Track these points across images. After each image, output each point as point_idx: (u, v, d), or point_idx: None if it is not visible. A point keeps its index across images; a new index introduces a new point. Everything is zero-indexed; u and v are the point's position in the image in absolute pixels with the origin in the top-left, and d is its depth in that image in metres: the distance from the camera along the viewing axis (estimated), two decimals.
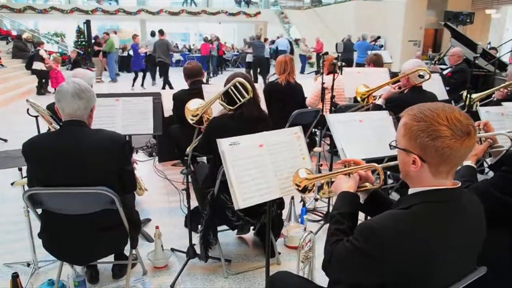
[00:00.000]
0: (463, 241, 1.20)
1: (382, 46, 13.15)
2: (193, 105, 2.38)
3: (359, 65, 10.72)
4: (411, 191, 1.27)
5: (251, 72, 11.49)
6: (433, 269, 1.14)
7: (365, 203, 1.58)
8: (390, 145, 1.32)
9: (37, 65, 10.90)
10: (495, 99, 4.42)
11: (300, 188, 1.72)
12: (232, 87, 2.37)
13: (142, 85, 11.42)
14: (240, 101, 2.39)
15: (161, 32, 10.35)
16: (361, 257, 1.19)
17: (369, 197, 1.58)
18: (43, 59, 10.86)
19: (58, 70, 10.88)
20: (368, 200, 1.58)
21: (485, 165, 4.00)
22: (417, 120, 1.19)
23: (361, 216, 1.44)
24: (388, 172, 3.56)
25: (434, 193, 1.20)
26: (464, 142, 1.14)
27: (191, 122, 2.39)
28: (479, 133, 2.01)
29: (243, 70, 12.68)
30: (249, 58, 12.89)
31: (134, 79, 11.36)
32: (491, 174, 3.50)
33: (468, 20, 9.68)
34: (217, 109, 2.57)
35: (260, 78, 11.60)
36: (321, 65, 4.45)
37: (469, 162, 1.94)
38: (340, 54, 3.74)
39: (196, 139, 2.50)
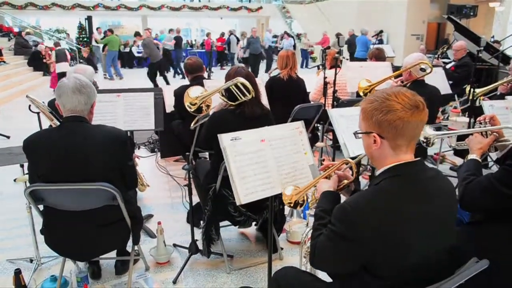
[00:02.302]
0: (427, 210, 1.26)
1: (381, 40, 13.07)
2: (193, 93, 2.34)
3: (358, 59, 10.69)
4: (378, 172, 1.37)
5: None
6: (403, 241, 1.22)
7: None
8: (354, 134, 1.43)
9: (62, 67, 9.36)
10: (498, 93, 4.39)
11: (292, 205, 1.78)
12: (233, 86, 2.35)
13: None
14: (241, 98, 2.37)
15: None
16: (338, 239, 1.27)
17: (350, 194, 1.64)
18: (66, 57, 9.93)
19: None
20: None
21: (489, 159, 3.98)
22: (371, 102, 1.32)
23: None
24: None
25: (395, 168, 1.31)
26: (413, 114, 1.26)
27: (188, 109, 2.35)
28: (485, 126, 2.00)
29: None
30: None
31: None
32: (494, 168, 3.47)
33: (471, 13, 9.62)
34: (218, 100, 2.55)
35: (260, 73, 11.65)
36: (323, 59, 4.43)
37: (474, 155, 1.93)
38: (342, 49, 3.72)
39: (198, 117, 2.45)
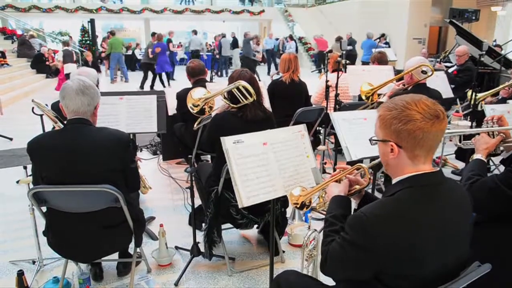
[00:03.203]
0: (445, 222, 1.24)
1: (388, 43, 13.09)
2: (196, 94, 2.35)
3: (364, 63, 10.72)
4: (394, 181, 1.33)
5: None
6: (417, 252, 1.19)
7: (359, 207, 1.60)
8: (370, 140, 1.39)
9: (70, 68, 8.85)
10: (500, 97, 4.40)
11: (298, 206, 1.76)
12: (235, 89, 2.37)
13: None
14: (243, 101, 2.38)
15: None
16: (352, 248, 1.24)
17: (362, 201, 1.62)
18: (73, 58, 9.72)
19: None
20: (361, 204, 1.61)
21: (491, 163, 3.98)
22: (389, 109, 1.28)
23: None
24: None
25: (414, 178, 1.27)
26: (434, 124, 1.22)
27: (191, 110, 2.36)
28: (492, 127, 2.00)
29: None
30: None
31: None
32: (496, 172, 3.47)
33: (473, 18, 9.60)
34: (221, 102, 2.56)
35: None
36: (326, 63, 4.44)
37: (479, 155, 1.91)
38: (344, 52, 3.74)
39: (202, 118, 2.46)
